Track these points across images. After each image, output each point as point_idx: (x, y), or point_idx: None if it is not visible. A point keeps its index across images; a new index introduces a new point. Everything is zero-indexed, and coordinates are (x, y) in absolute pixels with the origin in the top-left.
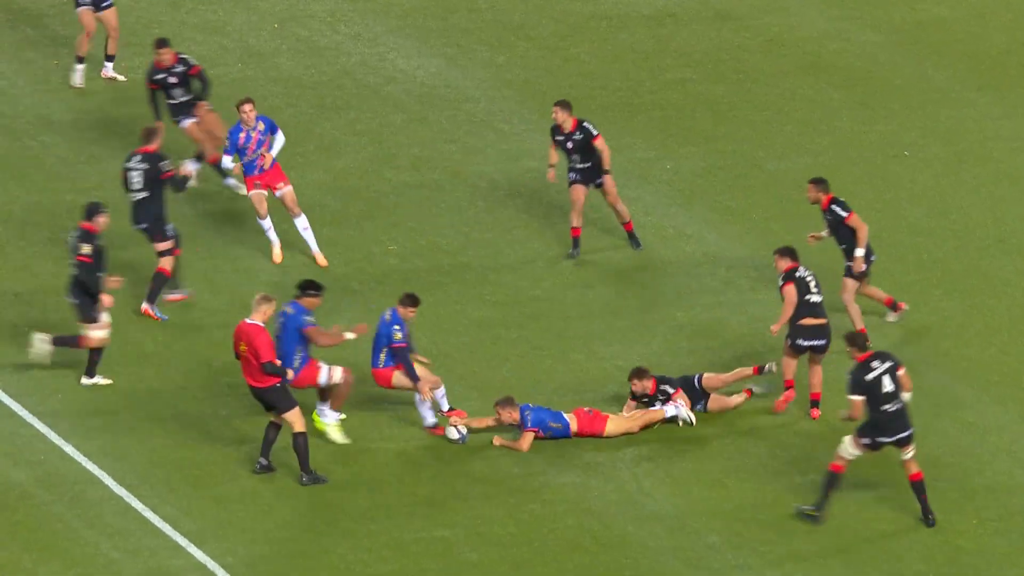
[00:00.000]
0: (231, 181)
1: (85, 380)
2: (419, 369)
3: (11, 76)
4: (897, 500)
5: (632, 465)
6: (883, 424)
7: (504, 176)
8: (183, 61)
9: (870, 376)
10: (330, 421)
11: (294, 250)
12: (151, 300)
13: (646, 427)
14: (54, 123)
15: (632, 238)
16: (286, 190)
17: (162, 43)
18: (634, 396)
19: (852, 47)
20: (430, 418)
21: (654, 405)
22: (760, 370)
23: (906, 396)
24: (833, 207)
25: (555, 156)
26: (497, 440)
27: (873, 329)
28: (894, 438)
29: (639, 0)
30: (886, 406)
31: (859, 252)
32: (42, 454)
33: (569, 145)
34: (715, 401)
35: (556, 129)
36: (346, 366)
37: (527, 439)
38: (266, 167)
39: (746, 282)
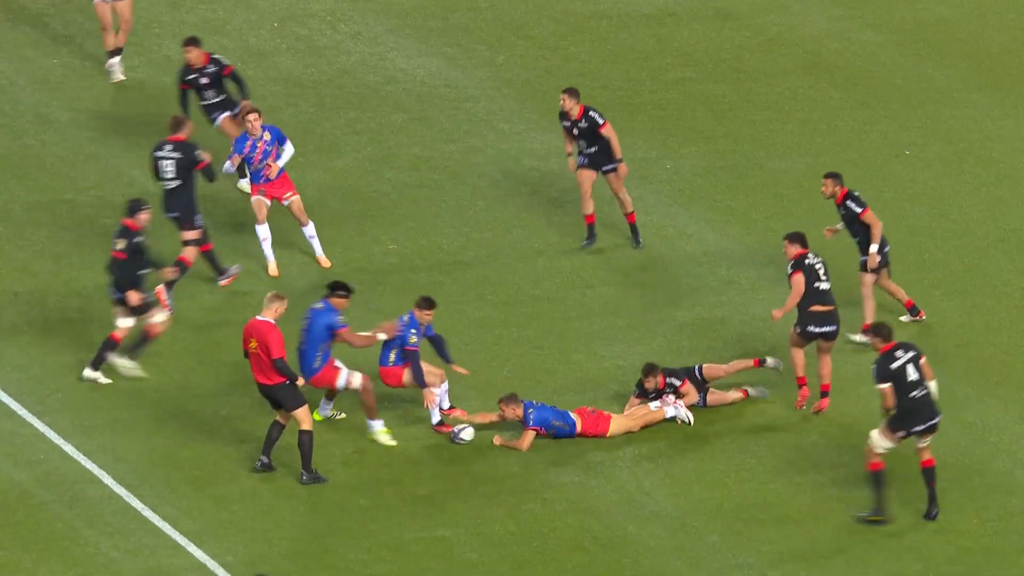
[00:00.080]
0: (243, 183)
1: (88, 373)
2: (424, 365)
3: (11, 75)
4: (898, 500)
5: (632, 465)
6: (913, 412)
7: (504, 176)
8: (215, 62)
9: (895, 365)
10: (376, 429)
11: (294, 249)
12: (168, 285)
13: (646, 426)
14: (54, 122)
15: (634, 232)
16: (293, 199)
17: (191, 42)
18: (644, 393)
19: (853, 47)
20: (436, 416)
21: (661, 399)
22: (761, 362)
23: (932, 385)
24: (848, 202)
25: (570, 145)
26: (497, 439)
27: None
28: (926, 425)
29: None
30: (913, 393)
31: (873, 248)
32: (42, 453)
33: (575, 132)
34: (713, 395)
35: (563, 115)
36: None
37: (528, 438)
38: (272, 176)
39: (747, 281)
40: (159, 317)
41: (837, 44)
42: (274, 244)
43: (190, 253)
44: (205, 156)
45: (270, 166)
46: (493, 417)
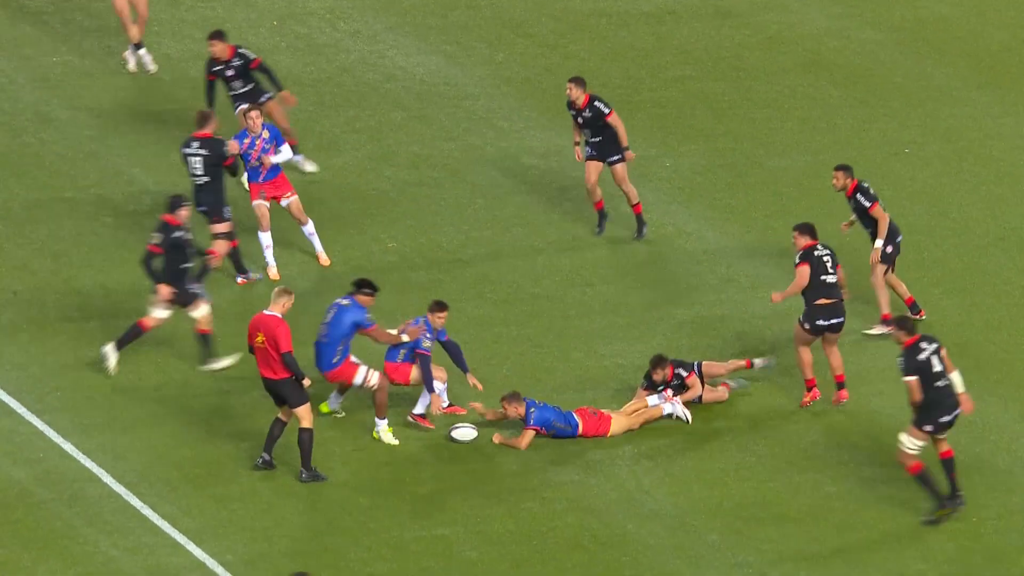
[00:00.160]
0: (299, 157)
1: (107, 349)
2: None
3: (10, 73)
4: (898, 498)
5: (632, 463)
6: (939, 403)
7: (504, 174)
8: (241, 55)
9: (922, 357)
10: (381, 428)
11: (294, 249)
12: (199, 280)
13: (646, 423)
14: (53, 120)
15: (639, 224)
16: (292, 199)
17: (215, 36)
18: (652, 384)
19: (852, 45)
20: (420, 408)
21: (661, 395)
22: (751, 364)
23: (955, 376)
24: (857, 195)
25: (578, 134)
26: (497, 437)
27: (868, 328)
28: (952, 416)
29: None
30: (938, 383)
31: (877, 244)
32: (41, 452)
33: (579, 120)
34: (708, 392)
35: (570, 104)
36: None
37: (527, 437)
38: (265, 163)
39: (746, 279)
40: (202, 311)
41: (836, 42)
42: (274, 244)
43: (220, 247)
44: (232, 152)
45: (265, 159)
46: (498, 414)
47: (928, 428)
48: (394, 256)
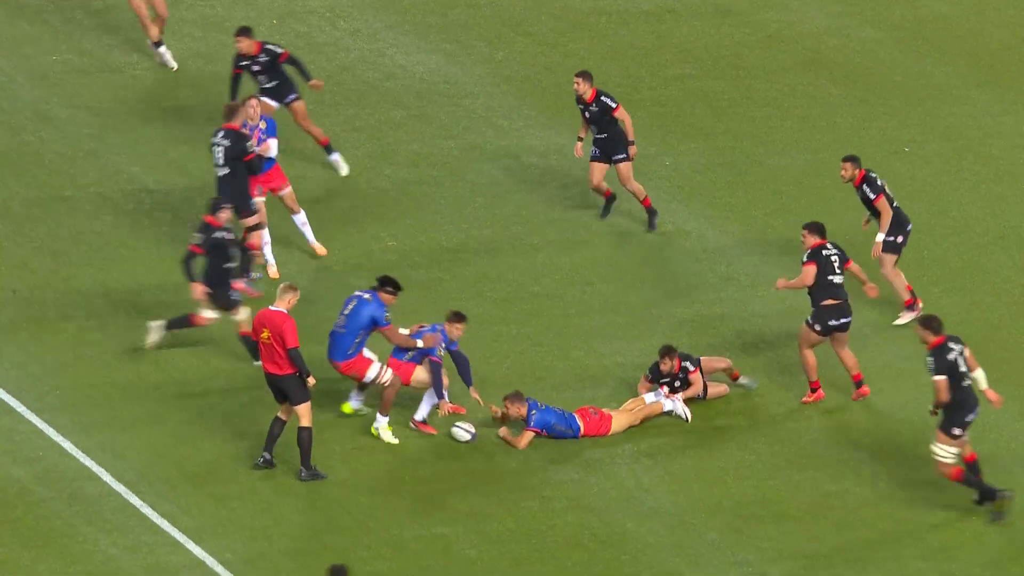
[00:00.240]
0: (335, 156)
1: (153, 324)
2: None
3: (10, 71)
4: (897, 497)
5: (631, 462)
6: (964, 403)
7: (504, 172)
8: (268, 51)
9: (951, 356)
10: (381, 425)
11: (292, 247)
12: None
13: (646, 419)
14: (53, 118)
15: (650, 216)
16: (286, 191)
17: (241, 32)
18: (658, 376)
19: (852, 43)
20: (422, 413)
21: (674, 384)
22: (738, 376)
23: (979, 374)
24: (864, 185)
25: (585, 130)
26: (503, 431)
27: (868, 324)
28: (975, 414)
29: None
30: (964, 383)
31: (879, 237)
32: (41, 450)
33: (587, 115)
34: (711, 387)
35: (578, 99)
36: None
37: (525, 438)
38: (268, 153)
39: (746, 278)
40: (242, 314)
41: (836, 41)
42: (272, 243)
43: (255, 238)
44: (254, 148)
45: (266, 144)
46: (497, 414)
47: (957, 431)
48: (394, 254)
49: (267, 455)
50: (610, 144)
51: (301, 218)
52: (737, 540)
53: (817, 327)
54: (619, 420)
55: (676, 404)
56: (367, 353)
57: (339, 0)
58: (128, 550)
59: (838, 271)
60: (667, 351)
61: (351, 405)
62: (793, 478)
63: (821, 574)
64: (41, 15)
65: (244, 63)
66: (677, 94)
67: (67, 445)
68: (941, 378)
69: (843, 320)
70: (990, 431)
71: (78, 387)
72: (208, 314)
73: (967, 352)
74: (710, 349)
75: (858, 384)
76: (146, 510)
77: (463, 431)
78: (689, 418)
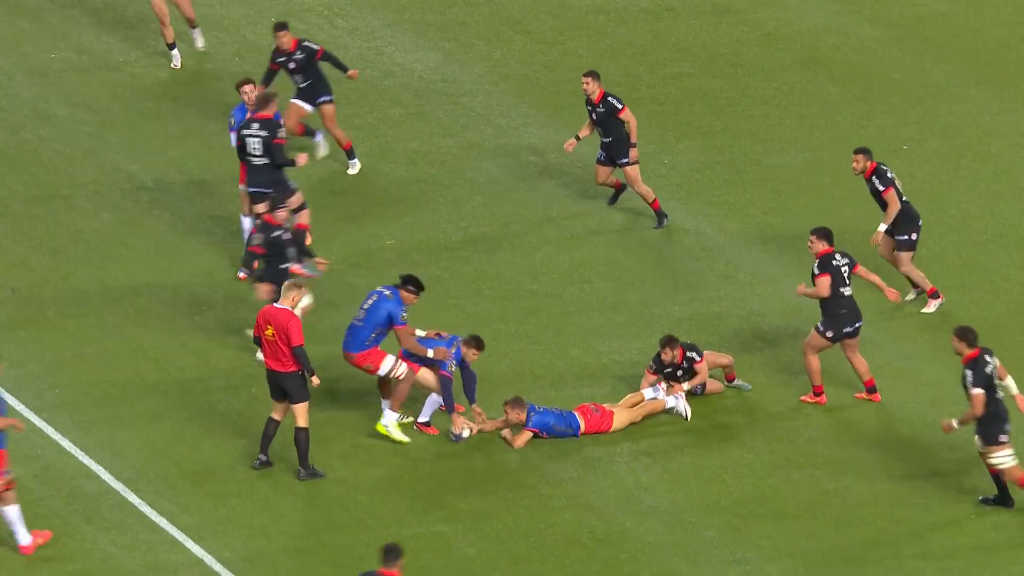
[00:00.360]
0: (354, 161)
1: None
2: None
3: (8, 69)
4: (896, 495)
5: (630, 460)
6: (999, 412)
7: (502, 170)
8: (304, 48)
9: (988, 369)
10: (389, 422)
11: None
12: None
13: (648, 416)
14: (51, 116)
15: (659, 216)
16: None
17: (280, 27)
18: (661, 367)
19: (850, 41)
20: (426, 415)
21: (676, 374)
22: (733, 378)
23: (1009, 382)
24: (874, 177)
25: (586, 130)
26: (505, 432)
27: (868, 323)
28: (1009, 423)
29: None
30: (999, 394)
31: (881, 228)
32: (39, 448)
33: (594, 116)
34: (709, 383)
35: (587, 100)
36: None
37: (523, 437)
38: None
39: (744, 276)
40: (305, 301)
41: (835, 39)
42: None
43: (304, 216)
44: (284, 135)
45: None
46: (499, 423)
47: (1004, 438)
48: (392, 253)
49: (263, 457)
50: (615, 148)
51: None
52: (736, 538)
53: (829, 334)
54: (620, 417)
55: (678, 402)
56: (385, 351)
57: None
58: (127, 548)
59: (848, 282)
60: (668, 341)
61: (382, 423)
62: (792, 476)
63: (820, 572)
64: (40, 13)
65: (281, 59)
66: (675, 92)
67: (66, 443)
68: (979, 392)
69: (856, 325)
70: None
71: (77, 385)
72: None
73: (998, 362)
74: (709, 347)
75: (871, 390)
76: (145, 508)
77: (463, 432)
78: (689, 416)
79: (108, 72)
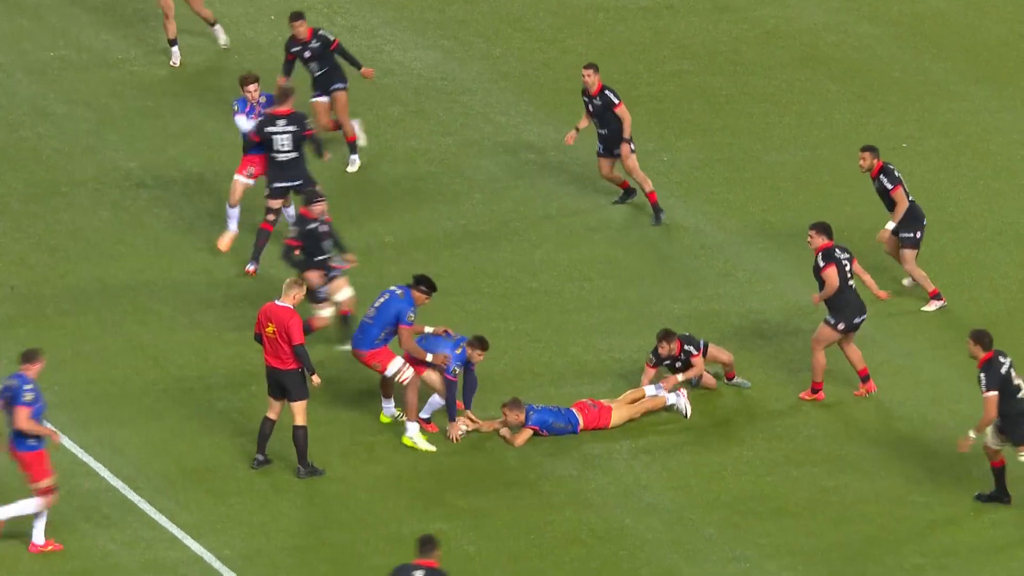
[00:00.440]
0: (355, 157)
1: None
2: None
3: (7, 67)
4: (895, 493)
5: (630, 458)
6: (1019, 417)
7: (501, 168)
8: (319, 37)
9: (1003, 370)
10: (413, 433)
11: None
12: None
13: (647, 413)
14: (50, 114)
15: (656, 211)
16: None
17: (295, 16)
18: (659, 360)
19: (850, 39)
20: (426, 413)
21: (675, 366)
22: (733, 376)
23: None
24: (881, 176)
25: (585, 122)
26: (504, 431)
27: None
28: None
29: None
30: (1019, 395)
31: (889, 226)
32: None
33: (590, 108)
34: (704, 377)
35: (584, 91)
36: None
37: (523, 436)
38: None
39: (744, 274)
40: (345, 293)
41: (834, 37)
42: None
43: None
44: (313, 126)
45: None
46: (497, 424)
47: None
48: (391, 251)
49: (260, 456)
50: (612, 139)
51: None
52: (735, 536)
53: (841, 325)
54: (619, 413)
55: (679, 399)
56: (393, 352)
57: None
58: (126, 546)
59: (849, 274)
60: (665, 335)
61: (386, 414)
62: (791, 474)
63: (819, 569)
64: (39, 11)
65: (296, 48)
66: (675, 90)
67: (65, 441)
68: (992, 394)
69: (864, 316)
70: None
71: (76, 383)
72: (324, 313)
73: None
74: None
75: (865, 379)
76: (144, 506)
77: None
78: (689, 414)
79: (107, 70)
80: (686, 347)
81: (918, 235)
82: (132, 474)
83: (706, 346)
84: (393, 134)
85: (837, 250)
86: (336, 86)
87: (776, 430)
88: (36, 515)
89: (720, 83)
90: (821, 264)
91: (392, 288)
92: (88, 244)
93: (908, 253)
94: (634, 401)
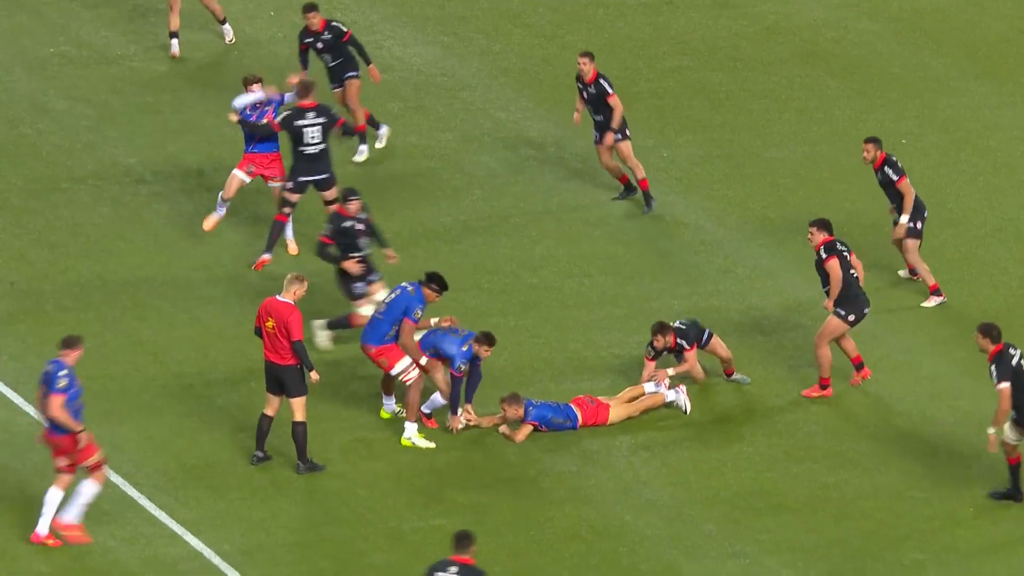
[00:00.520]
0: (383, 129)
1: (319, 324)
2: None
3: (7, 63)
4: (894, 488)
5: (629, 454)
6: None
7: (501, 164)
8: (332, 28)
9: (1014, 362)
10: (412, 433)
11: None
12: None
13: (646, 411)
14: (50, 110)
15: (647, 199)
16: (278, 185)
17: (308, 8)
18: (657, 353)
19: (849, 35)
20: (427, 408)
21: (666, 381)
22: (731, 374)
23: None
24: (885, 167)
25: (581, 105)
26: (503, 428)
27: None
28: None
29: None
30: None
31: (903, 219)
32: (38, 442)
33: (584, 96)
34: (694, 370)
35: (579, 77)
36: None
37: (524, 431)
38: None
39: (743, 270)
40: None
41: (834, 33)
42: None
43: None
44: (339, 114)
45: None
46: (496, 419)
47: None
48: (391, 247)
49: (259, 453)
50: (605, 127)
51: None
52: (735, 532)
53: (851, 317)
54: (617, 411)
55: (679, 395)
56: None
57: None
58: (125, 542)
59: (853, 266)
60: (659, 328)
61: (387, 410)
62: (791, 470)
63: (818, 566)
64: (38, 7)
65: (309, 39)
66: (675, 86)
67: None
68: (1006, 386)
69: (868, 307)
70: (987, 422)
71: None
72: (364, 311)
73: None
74: None
75: (859, 367)
76: (143, 502)
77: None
78: (688, 410)
79: (107, 66)
80: (679, 341)
81: (919, 225)
82: (131, 470)
83: (709, 336)
84: (393, 130)
85: (838, 244)
86: (349, 74)
87: (776, 426)
88: (48, 503)
89: (720, 79)
90: (824, 256)
91: (404, 284)
92: (88, 240)
93: (911, 243)
94: (633, 399)
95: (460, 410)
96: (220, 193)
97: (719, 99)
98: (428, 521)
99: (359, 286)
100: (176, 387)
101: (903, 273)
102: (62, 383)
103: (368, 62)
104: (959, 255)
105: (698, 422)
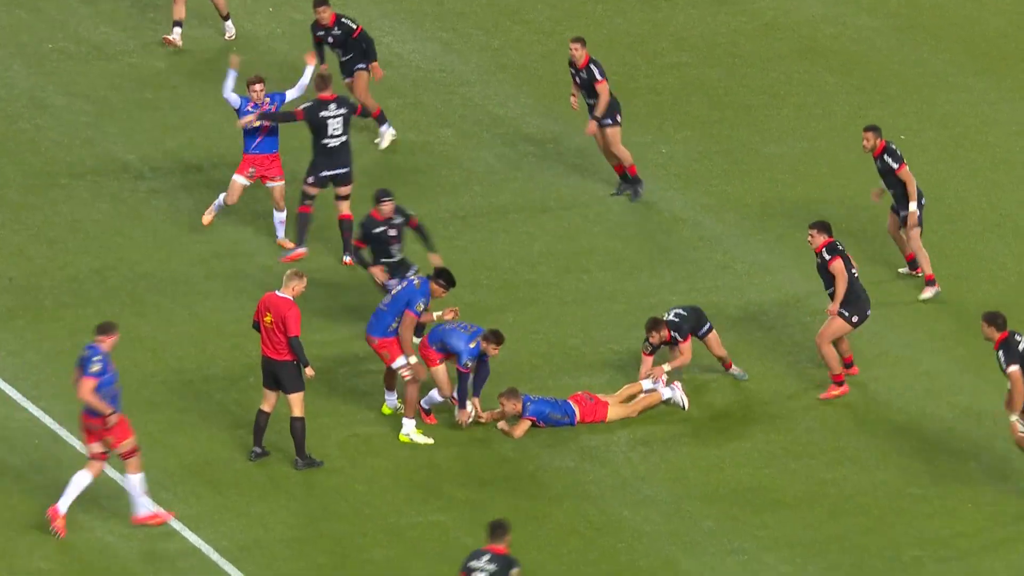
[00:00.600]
0: (384, 127)
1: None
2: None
3: (6, 59)
4: (893, 485)
5: (628, 450)
6: None
7: (500, 160)
8: (342, 24)
9: (1020, 347)
10: (409, 430)
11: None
12: (348, 249)
13: (644, 410)
14: (49, 106)
15: (634, 185)
16: (277, 185)
17: (319, 2)
18: (654, 348)
19: (848, 31)
20: (426, 404)
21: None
22: (729, 368)
23: None
24: (885, 156)
25: (576, 90)
26: (501, 424)
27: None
28: None
29: None
30: None
31: (912, 207)
32: (36, 438)
33: (576, 80)
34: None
35: (571, 62)
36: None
37: (522, 427)
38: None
39: (742, 267)
40: None
41: (833, 29)
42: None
43: (347, 207)
44: (356, 101)
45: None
46: (495, 414)
47: None
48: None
49: (257, 449)
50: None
51: (281, 217)
52: (733, 528)
53: (855, 319)
54: (615, 411)
55: (675, 392)
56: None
57: None
58: (124, 537)
59: (854, 264)
60: (653, 324)
61: (388, 405)
62: (789, 466)
63: (816, 562)
64: (37, 3)
65: (320, 33)
66: (673, 82)
67: (63, 433)
68: (1015, 368)
69: (870, 308)
70: (986, 418)
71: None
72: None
73: None
74: None
75: (848, 364)
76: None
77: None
78: (687, 406)
79: (106, 62)
80: (672, 333)
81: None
82: None
83: (709, 328)
84: (392, 126)
85: (838, 244)
86: (358, 67)
87: (774, 422)
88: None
89: (718, 75)
90: (827, 257)
91: (410, 276)
92: (86, 236)
93: (912, 231)
94: (631, 397)
95: (468, 403)
96: (222, 196)
97: (718, 95)
98: (426, 517)
99: (389, 284)
100: (175, 383)
101: (903, 270)
102: (95, 367)
103: (374, 59)
104: (958, 250)
105: (696, 418)
